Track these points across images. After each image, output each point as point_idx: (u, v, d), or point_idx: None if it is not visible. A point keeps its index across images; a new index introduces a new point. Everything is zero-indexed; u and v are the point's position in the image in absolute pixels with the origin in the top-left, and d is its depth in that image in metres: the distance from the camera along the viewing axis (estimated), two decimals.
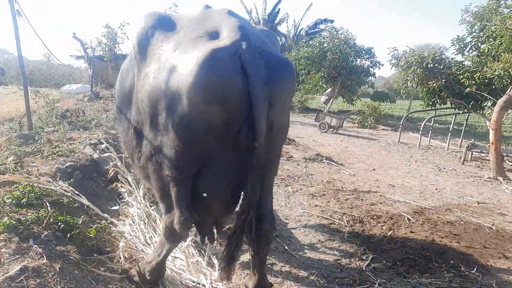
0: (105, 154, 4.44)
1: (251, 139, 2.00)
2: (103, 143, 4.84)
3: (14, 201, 3.08)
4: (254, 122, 1.96)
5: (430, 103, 11.59)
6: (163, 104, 2.16)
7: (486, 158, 8.71)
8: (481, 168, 8.31)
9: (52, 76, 20.77)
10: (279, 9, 26.14)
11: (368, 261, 3.46)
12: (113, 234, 3.33)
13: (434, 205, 5.25)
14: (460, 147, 10.67)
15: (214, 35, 2.19)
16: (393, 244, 3.86)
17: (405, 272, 3.26)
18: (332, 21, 24.21)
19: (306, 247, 3.77)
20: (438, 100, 11.38)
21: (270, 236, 2.47)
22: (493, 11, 9.96)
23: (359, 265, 3.39)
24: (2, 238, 2.60)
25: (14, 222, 2.71)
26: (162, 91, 2.15)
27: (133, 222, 3.55)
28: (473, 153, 9.05)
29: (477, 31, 10.78)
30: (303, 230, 4.19)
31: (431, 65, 10.79)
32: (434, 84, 10.76)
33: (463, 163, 8.66)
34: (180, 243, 3.26)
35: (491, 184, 6.75)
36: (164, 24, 2.48)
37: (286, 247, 3.70)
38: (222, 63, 1.97)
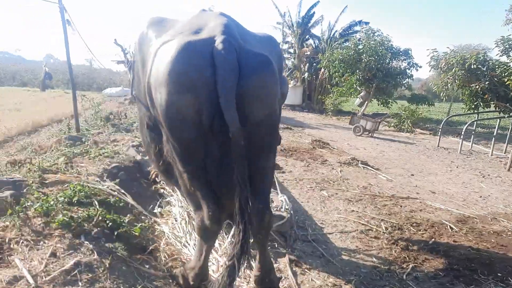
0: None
1: (224, 130, 2.05)
2: None
3: (66, 199, 3.28)
4: (223, 112, 2.02)
5: (473, 106, 11.14)
6: (153, 96, 2.30)
7: None
8: None
9: (94, 79, 21.83)
10: (313, 12, 25.87)
11: (408, 270, 3.37)
12: (156, 233, 3.47)
13: (479, 214, 5.03)
14: (505, 153, 10.14)
15: (197, 31, 2.31)
16: (435, 253, 3.74)
17: (449, 283, 3.16)
18: (367, 23, 23.65)
19: (343, 253, 3.73)
20: (481, 103, 10.91)
21: (264, 217, 2.48)
22: None
23: (399, 274, 3.32)
24: (57, 234, 2.78)
25: (67, 219, 2.89)
26: (150, 83, 2.31)
27: (175, 220, 3.67)
28: None
29: None
30: (340, 236, 4.16)
31: (474, 66, 10.37)
32: (477, 87, 10.34)
33: (508, 170, 8.21)
34: (219, 243, 3.33)
35: None
36: (158, 24, 2.70)
37: (323, 252, 3.68)
38: (192, 54, 2.08)
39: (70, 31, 6.50)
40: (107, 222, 3.11)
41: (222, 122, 2.05)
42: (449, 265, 3.47)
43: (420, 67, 17.13)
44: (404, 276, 3.27)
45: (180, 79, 2.07)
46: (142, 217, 3.71)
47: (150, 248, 3.21)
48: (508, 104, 9.97)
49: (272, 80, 2.30)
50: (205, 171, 2.27)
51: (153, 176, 4.45)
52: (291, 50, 26.09)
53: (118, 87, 16.42)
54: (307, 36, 26.48)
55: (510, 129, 11.30)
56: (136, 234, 3.23)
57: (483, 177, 7.45)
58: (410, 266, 3.45)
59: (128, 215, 3.40)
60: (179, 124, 2.18)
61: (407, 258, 3.63)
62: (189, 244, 3.38)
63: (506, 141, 10.78)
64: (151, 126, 2.80)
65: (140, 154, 4.80)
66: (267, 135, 2.40)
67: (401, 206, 5.19)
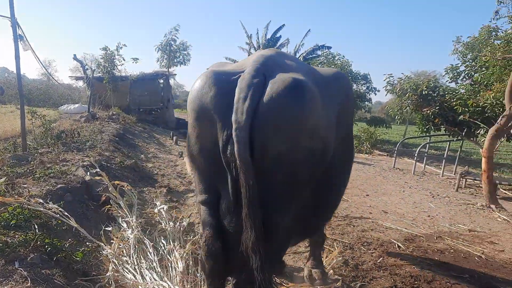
0: (97, 177, 4.45)
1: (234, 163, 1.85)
2: (95, 166, 4.86)
3: (2, 223, 3.10)
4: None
5: (425, 129, 11.73)
6: None
7: (480, 185, 8.72)
8: (475, 195, 8.33)
9: (51, 95, 20.95)
10: (280, 36, 26.75)
11: None
12: (100, 258, 3.33)
13: (426, 233, 5.25)
14: (454, 174, 10.71)
15: (240, 67, 2.16)
16: (382, 271, 3.84)
17: None
18: (329, 48, 24.67)
19: (295, 273, 3.75)
20: (433, 127, 11.52)
21: None
22: (484, 42, 10.25)
23: None
24: None
25: (0, 245, 2.72)
26: None
27: (121, 245, 3.54)
28: (467, 180, 9.09)
29: (470, 61, 11.06)
30: (293, 256, 4.18)
31: (426, 92, 11.00)
32: (428, 111, 10.93)
33: (457, 190, 8.68)
34: None
35: (484, 212, 6.75)
36: (219, 66, 2.43)
37: None
38: (215, 81, 1.99)
39: (23, 46, 6.29)
40: (46, 247, 2.96)
41: (232, 154, 1.86)
42: (394, 282, 3.56)
43: (378, 91, 18.04)
44: None
45: (199, 106, 2.01)
46: (87, 242, 3.56)
47: (93, 273, 3.08)
48: (456, 128, 10.59)
49: (299, 105, 1.88)
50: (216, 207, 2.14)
51: (103, 198, 4.30)
52: None
53: (76, 104, 15.81)
54: None
55: (459, 152, 12.05)
56: (78, 259, 3.09)
57: (433, 197, 7.81)
58: (358, 285, 3.52)
59: (70, 240, 3.26)
60: (196, 154, 2.12)
61: (356, 277, 3.70)
62: (137, 271, 3.25)
63: (456, 163, 11.42)
64: None
65: (88, 174, 4.63)
66: (286, 177, 1.96)
67: (354, 226, 5.32)
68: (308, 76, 2.11)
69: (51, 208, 3.57)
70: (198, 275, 3.24)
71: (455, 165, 11.38)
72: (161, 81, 20.82)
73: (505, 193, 8.87)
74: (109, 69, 17.33)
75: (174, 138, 14.25)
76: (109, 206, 4.30)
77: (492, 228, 5.73)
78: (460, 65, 11.47)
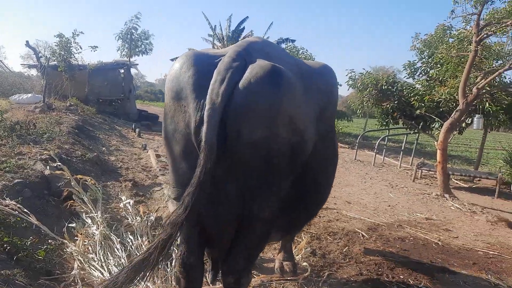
0: (58, 172, 4.24)
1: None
2: (55, 160, 4.62)
3: None
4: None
5: (384, 123, 12.22)
6: None
7: (435, 176, 9.26)
8: (430, 185, 8.83)
9: (1, 84, 19.49)
10: (244, 27, 26.63)
11: (324, 278, 3.54)
12: (64, 256, 3.19)
13: (387, 222, 5.50)
14: (411, 165, 11.27)
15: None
16: (348, 260, 3.99)
17: None
18: (293, 41, 24.94)
19: (264, 264, 3.80)
20: (391, 120, 12.03)
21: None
22: (440, 40, 10.79)
23: (316, 282, 3.47)
24: None
25: None
26: None
27: (86, 242, 3.41)
28: (423, 171, 9.60)
29: (426, 57, 11.61)
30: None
31: (385, 87, 11.44)
32: (388, 105, 11.39)
33: (413, 181, 9.16)
34: None
35: (438, 201, 7.19)
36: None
37: None
38: (193, 61, 1.98)
39: None
40: (5, 246, 2.80)
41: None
42: (359, 270, 3.71)
43: (340, 85, 18.46)
44: (320, 284, 3.42)
45: (176, 85, 1.97)
46: (50, 240, 3.39)
47: (57, 272, 2.95)
48: (413, 122, 11.12)
49: (275, 93, 1.84)
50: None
51: (65, 193, 4.11)
52: None
53: (28, 94, 14.81)
54: None
55: (415, 144, 12.69)
56: (40, 257, 2.94)
57: (392, 187, 8.19)
58: (326, 273, 3.62)
59: (31, 237, 3.09)
60: (171, 136, 2.05)
61: (323, 266, 3.81)
62: (104, 268, 3.15)
63: (412, 155, 12.03)
64: None
65: (48, 168, 4.39)
66: (260, 166, 1.91)
67: (320, 217, 5.45)
68: (291, 66, 2.09)
69: (8, 204, 3.37)
70: (169, 270, 3.20)
71: (411, 157, 11.99)
72: (122, 71, 20.07)
73: (456, 183, 9.50)
74: (65, 57, 16.40)
75: (137, 130, 13.84)
76: (71, 201, 4.12)
77: (446, 216, 6.12)
78: (417, 62, 12.01)
